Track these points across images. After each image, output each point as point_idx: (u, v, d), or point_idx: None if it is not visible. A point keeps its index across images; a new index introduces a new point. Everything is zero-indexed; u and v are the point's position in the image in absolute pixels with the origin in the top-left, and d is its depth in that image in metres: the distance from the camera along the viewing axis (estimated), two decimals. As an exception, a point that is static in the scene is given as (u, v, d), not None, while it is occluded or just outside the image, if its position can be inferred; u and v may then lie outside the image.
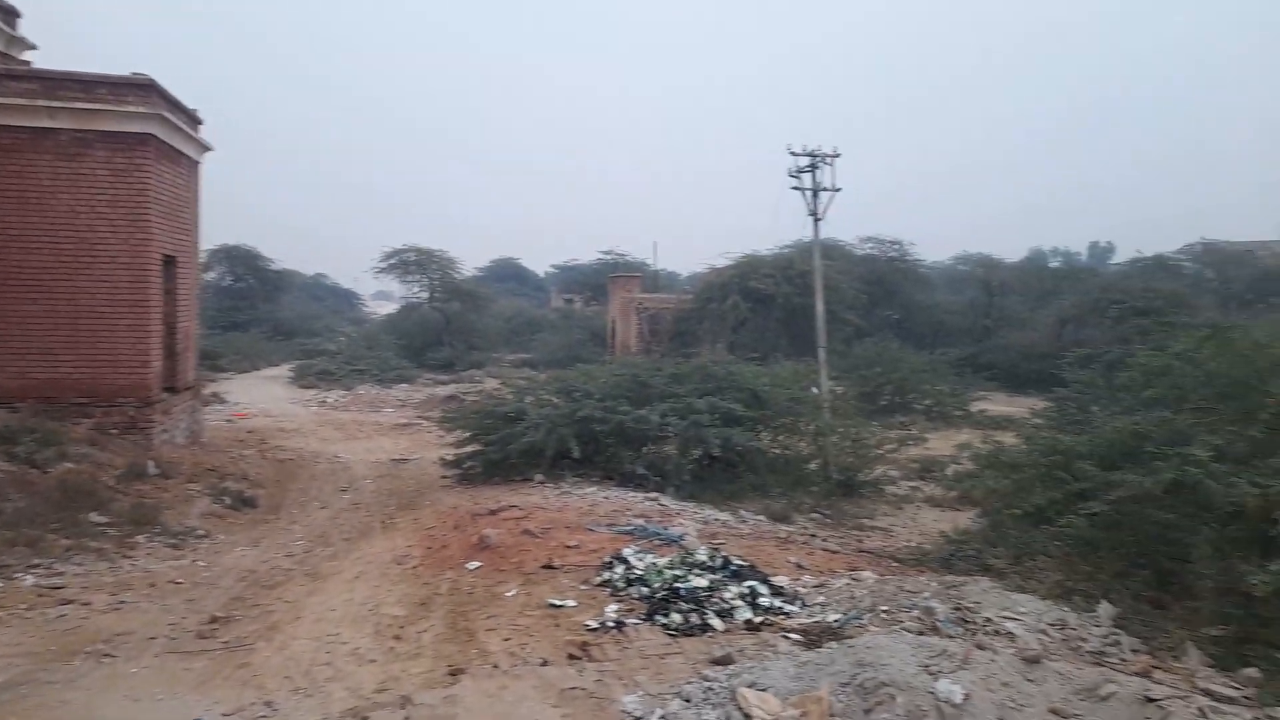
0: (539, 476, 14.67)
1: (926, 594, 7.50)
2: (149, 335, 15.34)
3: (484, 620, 7.21)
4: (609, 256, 58.44)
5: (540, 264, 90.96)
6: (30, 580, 8.19)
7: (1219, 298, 43.00)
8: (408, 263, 45.07)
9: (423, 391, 32.80)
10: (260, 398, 29.02)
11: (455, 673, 6.07)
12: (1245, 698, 6.10)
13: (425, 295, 46.56)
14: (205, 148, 18.34)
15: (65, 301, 14.65)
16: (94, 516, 10.99)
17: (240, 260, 50.23)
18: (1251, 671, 6.50)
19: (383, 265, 45.17)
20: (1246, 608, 6.96)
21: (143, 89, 15.22)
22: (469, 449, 15.98)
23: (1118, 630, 7.19)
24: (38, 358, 14.58)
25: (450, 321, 44.25)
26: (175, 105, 16.28)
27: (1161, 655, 6.92)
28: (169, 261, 16.37)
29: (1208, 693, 6.10)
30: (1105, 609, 7.49)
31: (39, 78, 15.08)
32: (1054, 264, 69.10)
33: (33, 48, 17.60)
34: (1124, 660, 6.70)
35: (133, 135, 14.98)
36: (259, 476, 15.99)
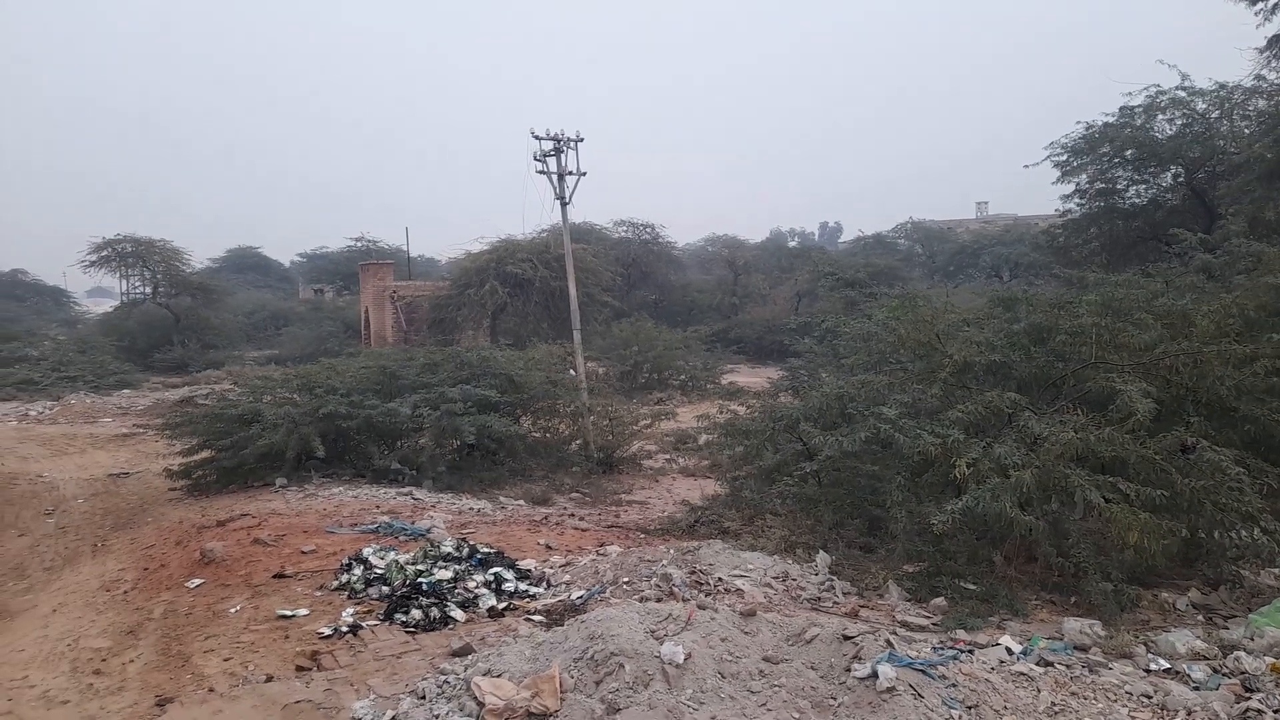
0: (281, 480, 13.78)
1: (665, 562, 7.81)
2: None
3: (202, 641, 6.62)
4: (359, 243, 55.86)
5: (284, 253, 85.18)
6: None
7: (927, 270, 48.42)
8: (124, 255, 40.52)
9: (149, 397, 29.74)
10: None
11: (163, 703, 5.52)
12: (934, 624, 6.90)
13: (148, 290, 42.15)
14: None
15: None
16: None
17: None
18: (940, 601, 7.36)
19: (93, 258, 40.25)
20: (936, 545, 7.87)
21: None
22: (199, 457, 14.67)
23: (833, 576, 7.88)
24: None
25: (180, 318, 40.40)
26: None
27: (869, 595, 7.67)
28: None
29: (904, 624, 6.84)
30: (822, 558, 8.18)
31: None
32: (791, 244, 74.50)
33: None
34: (837, 603, 7.35)
35: None
36: (-65, 507, 13.78)
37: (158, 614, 7.46)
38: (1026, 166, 24.09)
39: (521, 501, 13.83)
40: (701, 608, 5.82)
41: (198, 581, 8.20)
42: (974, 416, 7.88)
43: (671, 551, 8.18)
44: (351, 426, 14.67)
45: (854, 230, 67.68)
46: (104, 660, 6.49)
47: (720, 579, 7.50)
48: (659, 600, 6.91)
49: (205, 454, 14.62)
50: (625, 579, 7.54)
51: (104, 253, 40.21)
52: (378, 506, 11.51)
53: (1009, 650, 6.12)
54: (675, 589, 7.24)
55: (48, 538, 12.42)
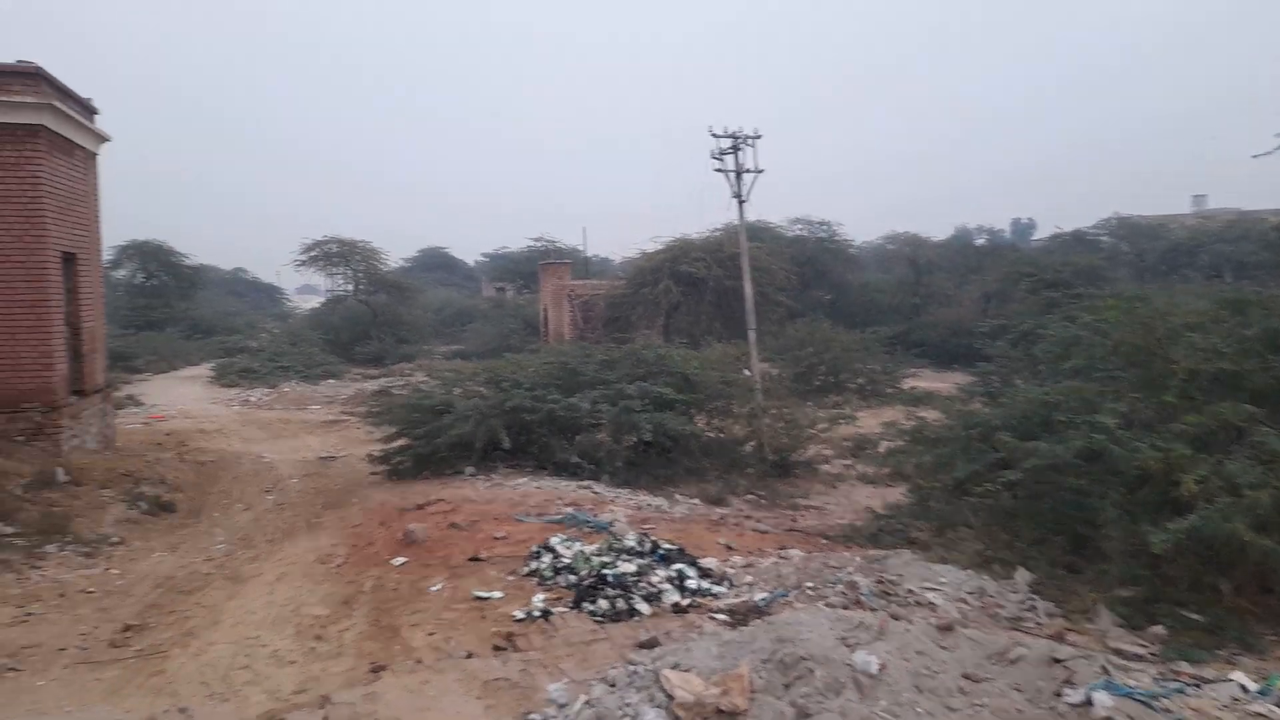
0: (470, 469, 14.51)
1: (850, 569, 7.62)
2: (51, 337, 14.65)
3: (408, 616, 7.08)
4: (539, 243, 57.95)
5: (469, 253, 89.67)
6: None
7: (1134, 270, 44.69)
8: (330, 255, 43.96)
9: (351, 387, 32.13)
10: (179, 399, 28.06)
11: (377, 670, 5.94)
12: (1151, 654, 6.36)
13: (350, 288, 45.56)
14: (102, 138, 17.53)
15: (-45, 304, 13.88)
16: (-2, 527, 10.48)
17: (152, 256, 48.11)
18: (1159, 629, 6.77)
19: (303, 258, 43.95)
20: (1153, 568, 7.24)
21: (30, 78, 14.42)
22: (397, 444, 15.70)
23: (1034, 596, 7.42)
24: (-68, 364, 13.81)
25: (378, 314, 43.39)
26: (67, 94, 15.48)
27: (1075, 618, 7.15)
28: (68, 259, 15.65)
29: (1117, 652, 6.33)
30: (1022, 575, 7.71)
31: (-86, 68, 14.20)
32: (979, 241, 70.68)
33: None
34: (1039, 624, 6.91)
35: (22, 127, 14.19)
36: (178, 480, 15.43)
37: (368, 588, 8.04)
38: (1255, 157, 21.76)
39: (696, 500, 13.91)
40: (895, 618, 5.63)
41: (401, 560, 8.78)
42: (1201, 430, 7.18)
43: (857, 559, 7.97)
44: (534, 420, 15.24)
45: (1049, 226, 63.43)
46: (324, 627, 7.07)
47: (910, 590, 7.23)
48: (845, 608, 6.75)
49: (402, 441, 15.64)
50: (809, 584, 7.41)
51: (313, 253, 43.82)
52: (560, 498, 11.89)
53: (1243, 688, 5.54)
54: (862, 597, 7.05)
55: (268, 512, 13.65)
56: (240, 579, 9.18)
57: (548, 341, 36.39)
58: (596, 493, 13.00)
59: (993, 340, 16.27)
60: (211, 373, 34.48)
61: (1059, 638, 6.50)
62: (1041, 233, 75.32)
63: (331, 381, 33.71)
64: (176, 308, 46.57)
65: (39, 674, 6.18)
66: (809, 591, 7.28)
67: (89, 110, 16.84)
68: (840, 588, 7.23)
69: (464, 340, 45.46)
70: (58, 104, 14.75)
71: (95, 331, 16.90)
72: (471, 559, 8.50)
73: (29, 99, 14.19)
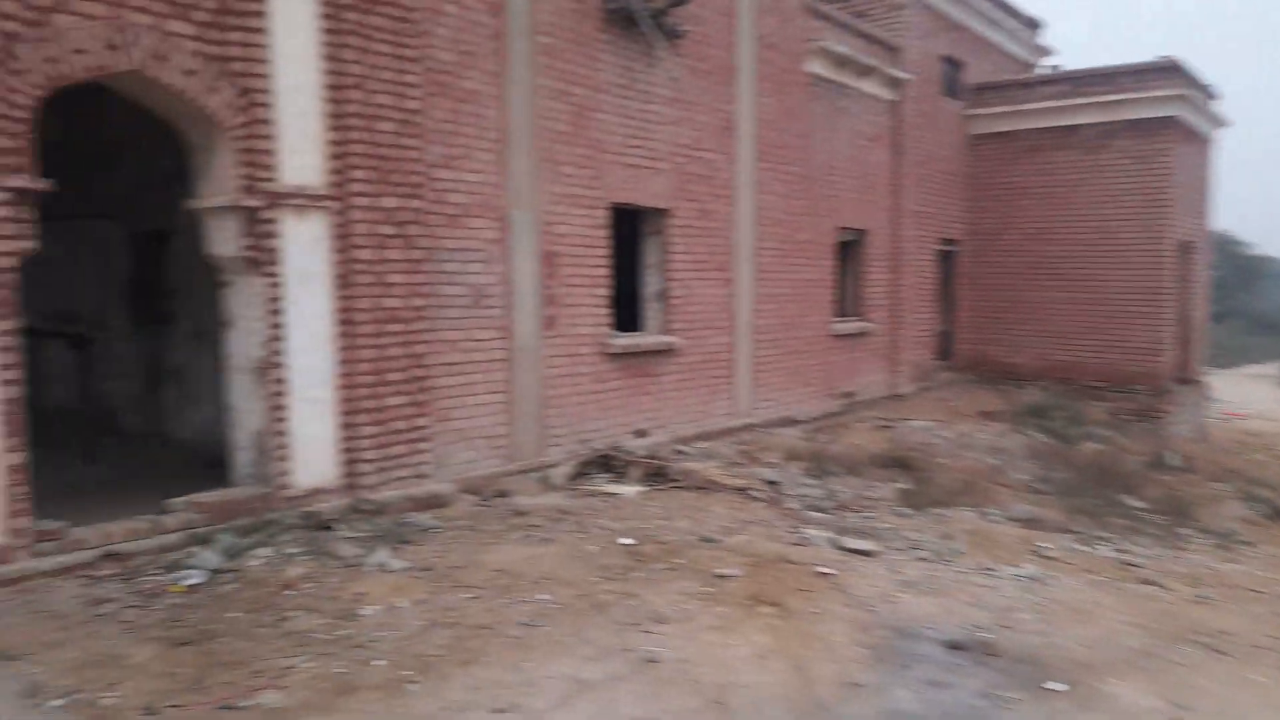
0: None
1: None
2: (1161, 323, 15.00)
3: None
4: None
5: None
6: (1104, 551, 8.51)
7: None
8: None
9: None
10: (1248, 397, 26.09)
11: None
12: None
13: None
14: (1220, 123, 17.02)
15: (1081, 289, 15.37)
16: (1126, 499, 11.06)
17: (1215, 246, 45.96)
18: None
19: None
20: None
21: (1166, 71, 14.88)
22: None
23: None
24: (1055, 340, 15.64)
25: None
26: (1194, 83, 15.42)
27: None
28: (1184, 248, 15.70)
29: None
30: None
31: (1067, 79, 16.06)
32: None
33: (1048, 53, 18.79)
34: None
35: (1154, 120, 14.78)
36: (1284, 486, 14.07)
37: None
38: None
39: None
40: None
41: None
42: None
43: None
44: None
45: None
46: None
47: None
48: None
49: None
50: None
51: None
52: None
53: None
54: None
55: None
56: None
57: None
58: None
59: None
60: (1277, 374, 31.20)
61: None
62: None
63: None
64: (1236, 300, 43.75)
65: (1248, 666, 5.96)
66: None
67: (1210, 96, 16.55)
68: None
69: None
70: (1186, 93, 14.85)
71: (1198, 322, 16.69)
72: None
73: (1163, 92, 14.66)
